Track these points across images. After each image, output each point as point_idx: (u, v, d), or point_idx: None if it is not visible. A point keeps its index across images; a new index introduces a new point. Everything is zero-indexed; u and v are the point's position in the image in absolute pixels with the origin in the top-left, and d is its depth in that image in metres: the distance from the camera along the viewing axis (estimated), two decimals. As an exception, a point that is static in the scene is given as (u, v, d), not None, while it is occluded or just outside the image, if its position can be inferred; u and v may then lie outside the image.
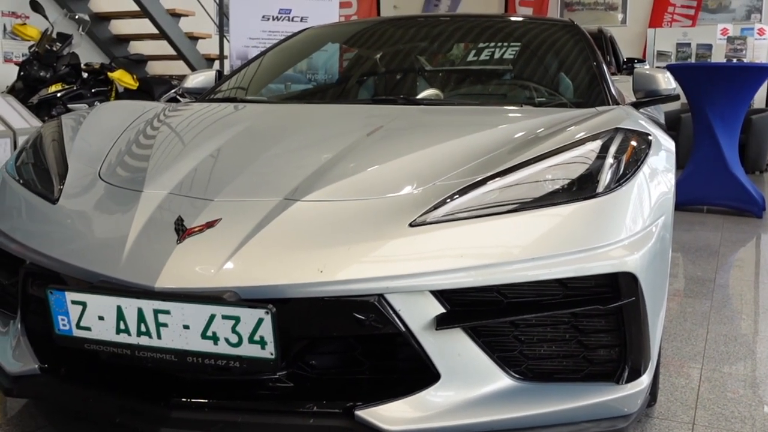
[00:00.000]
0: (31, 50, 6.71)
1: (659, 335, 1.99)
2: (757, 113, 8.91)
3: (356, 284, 1.63)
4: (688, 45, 10.49)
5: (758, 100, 9.32)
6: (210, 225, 1.77)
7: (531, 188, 1.85)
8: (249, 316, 1.60)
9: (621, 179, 1.90)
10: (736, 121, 5.91)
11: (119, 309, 1.68)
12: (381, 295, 1.64)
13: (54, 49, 6.59)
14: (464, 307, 1.70)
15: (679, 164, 8.08)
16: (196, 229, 1.76)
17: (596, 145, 1.98)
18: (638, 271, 1.76)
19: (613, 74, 4.61)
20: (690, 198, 6.02)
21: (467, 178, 1.89)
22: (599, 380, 1.81)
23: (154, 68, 9.26)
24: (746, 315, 3.34)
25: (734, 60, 6.27)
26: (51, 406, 2.25)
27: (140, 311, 1.67)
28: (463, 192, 1.83)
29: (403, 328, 1.65)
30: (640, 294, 1.77)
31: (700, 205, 6.11)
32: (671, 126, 8.95)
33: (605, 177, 1.88)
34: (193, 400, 1.74)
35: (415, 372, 1.72)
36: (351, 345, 1.75)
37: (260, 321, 1.59)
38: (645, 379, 1.84)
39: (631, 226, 1.83)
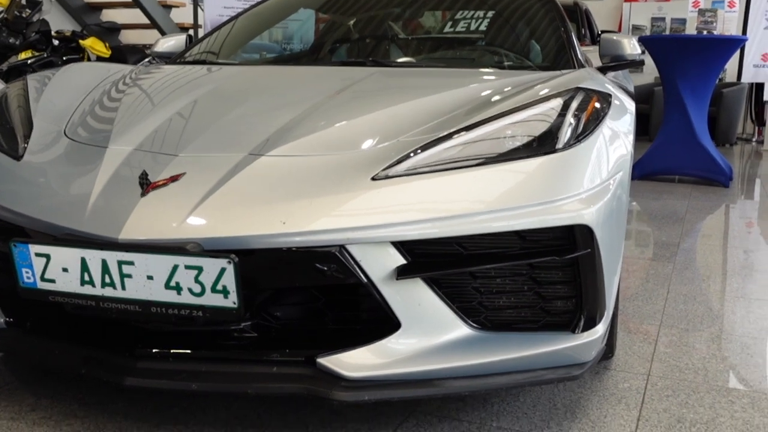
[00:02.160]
0: (0, 16, 6.62)
1: (615, 288, 2.05)
2: (729, 87, 9.02)
3: (318, 235, 1.67)
4: (663, 19, 10.55)
5: (730, 75, 9.42)
6: (174, 179, 1.80)
7: (492, 144, 1.89)
8: (211, 266, 1.63)
9: (580, 136, 1.94)
10: (706, 92, 5.99)
11: (83, 261, 1.71)
12: (342, 246, 1.68)
13: (23, 15, 6.50)
14: (424, 259, 1.74)
15: (652, 136, 8.16)
16: (160, 182, 1.78)
17: (557, 103, 2.02)
18: (594, 223, 1.81)
19: (585, 45, 4.65)
20: (660, 168, 6.11)
21: (430, 134, 1.93)
22: (556, 330, 1.86)
23: (128, 37, 9.16)
24: (707, 276, 3.42)
25: (705, 32, 6.33)
26: (18, 361, 2.27)
27: (104, 263, 1.69)
28: (425, 147, 1.86)
29: (364, 279, 1.69)
30: (596, 246, 1.82)
31: (670, 174, 6.21)
32: (644, 99, 9.04)
33: (565, 134, 1.92)
34: (158, 350, 1.77)
35: (376, 322, 1.76)
36: (314, 296, 1.79)
37: (223, 270, 1.63)
38: (600, 329, 1.90)
39: (589, 181, 1.88)
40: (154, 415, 1.96)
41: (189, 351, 1.78)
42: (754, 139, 9.63)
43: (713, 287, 3.26)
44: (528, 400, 2.10)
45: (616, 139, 2.13)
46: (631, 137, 2.32)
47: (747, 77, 8.45)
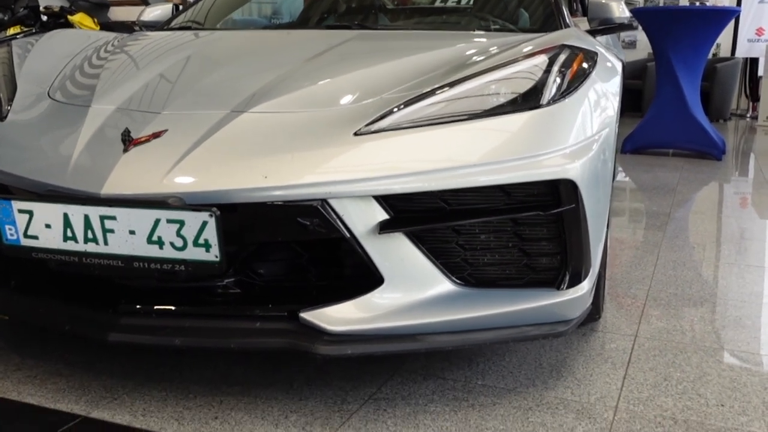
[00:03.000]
0: (-12, -7, 6.56)
1: (601, 246, 2.05)
2: (722, 62, 8.99)
3: (299, 189, 1.66)
4: (658, -7, 10.50)
5: (724, 50, 9.39)
6: (156, 135, 1.79)
7: (476, 101, 1.88)
8: (193, 220, 1.62)
9: (565, 92, 1.93)
10: (698, 64, 5.96)
11: (66, 216, 1.70)
12: (324, 200, 1.67)
13: (12, -9, 6.45)
14: (407, 214, 1.74)
15: (644, 113, 8.16)
16: (143, 139, 1.78)
17: (542, 59, 2.01)
18: (578, 178, 1.80)
19: (576, 17, 4.61)
20: (652, 141, 6.10)
21: (413, 91, 1.91)
22: (541, 287, 1.86)
23: (117, 14, 9.09)
24: (696, 244, 3.43)
25: (698, 3, 6.31)
26: (3, 321, 2.27)
27: (87, 218, 1.68)
28: (408, 103, 1.85)
29: (347, 233, 1.69)
30: (580, 201, 1.82)
31: (662, 148, 6.20)
32: (637, 75, 9.01)
33: (549, 90, 1.91)
34: (141, 306, 1.77)
35: (359, 277, 1.76)
36: (297, 252, 1.79)
37: (204, 224, 1.62)
38: (585, 285, 1.90)
39: (573, 136, 1.87)
40: (139, 373, 1.96)
41: (172, 307, 1.77)
42: (748, 115, 9.62)
43: (703, 254, 3.27)
44: (514, 359, 2.11)
45: (602, 97, 2.12)
46: (617, 99, 2.32)
47: (741, 52, 8.43)
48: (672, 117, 5.97)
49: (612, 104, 2.18)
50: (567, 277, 1.86)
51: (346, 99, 1.91)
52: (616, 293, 2.71)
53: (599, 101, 2.07)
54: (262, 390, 1.89)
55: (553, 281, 1.86)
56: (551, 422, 1.78)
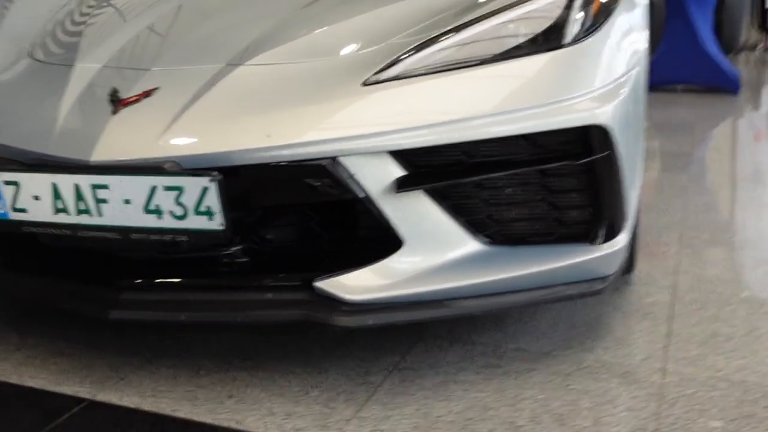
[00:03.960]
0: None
1: (636, 194, 1.89)
2: (732, -8, 8.67)
3: (307, 147, 1.50)
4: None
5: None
6: (147, 94, 1.63)
7: (491, 44, 1.69)
8: (192, 186, 1.47)
9: (589, 30, 1.74)
10: (709, -4, 5.74)
11: (55, 187, 1.55)
12: (334, 158, 1.51)
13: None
14: (426, 169, 1.59)
15: (653, 50, 7.91)
16: (132, 99, 1.61)
17: (562, -6, 1.82)
18: (610, 123, 1.63)
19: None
20: (664, 78, 5.87)
21: (423, 35, 1.73)
22: (573, 242, 1.71)
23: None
24: (724, 185, 3.27)
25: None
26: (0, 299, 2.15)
27: (77, 188, 1.54)
28: (417, 49, 1.66)
29: (361, 193, 1.53)
30: (614, 148, 1.65)
31: (675, 84, 5.98)
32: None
33: (572, 28, 1.71)
34: (142, 280, 1.64)
35: (376, 240, 1.61)
36: (308, 215, 1.64)
37: (205, 190, 1.47)
38: (622, 239, 1.74)
39: (602, 77, 1.69)
40: (146, 349, 1.83)
41: (176, 280, 1.64)
42: (760, 46, 9.33)
43: (733, 195, 3.11)
44: (546, 319, 1.97)
45: (630, 32, 1.94)
46: (645, 32, 2.13)
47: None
48: (684, 53, 5.75)
49: (642, 38, 2.00)
50: (602, 231, 1.71)
51: (350, 46, 1.73)
52: (646, 242, 2.55)
53: (628, 36, 1.89)
54: (276, 363, 1.76)
55: (586, 235, 1.71)
56: (595, 389, 1.65)
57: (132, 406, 1.60)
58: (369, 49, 1.71)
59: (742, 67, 7.72)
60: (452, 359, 1.78)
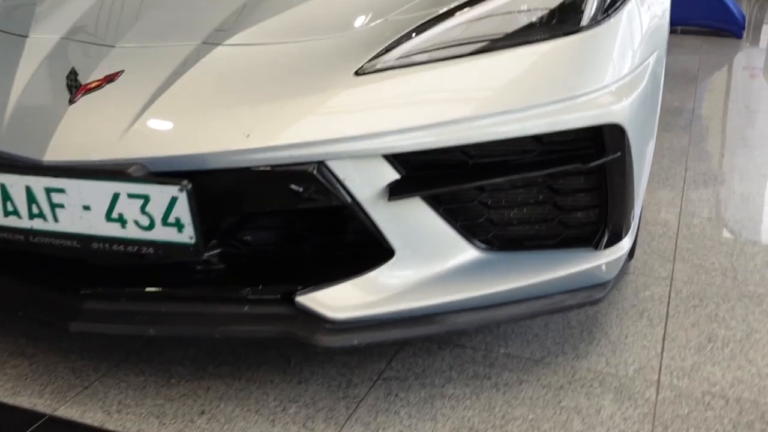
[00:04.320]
0: None
1: (643, 191, 1.76)
2: None
3: (290, 150, 1.34)
4: None
5: None
6: (110, 79, 1.44)
7: (503, 22, 1.51)
8: (159, 195, 1.31)
9: (609, 9, 1.57)
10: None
11: (3, 188, 1.39)
12: (321, 163, 1.36)
13: None
14: (422, 171, 1.43)
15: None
16: (93, 84, 1.43)
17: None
18: (626, 121, 1.48)
19: None
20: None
21: (428, 10, 1.54)
22: (576, 245, 1.58)
23: None
24: (726, 149, 3.13)
25: None
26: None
27: (29, 190, 1.37)
28: (421, 29, 1.49)
29: (349, 200, 1.39)
30: (627, 148, 1.51)
31: (675, 25, 5.75)
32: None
33: (591, 6, 1.54)
34: (108, 288, 1.49)
35: (365, 249, 1.47)
36: (291, 221, 1.49)
37: (174, 200, 1.31)
38: (626, 243, 1.62)
39: (620, 67, 1.53)
40: (114, 351, 1.71)
41: (145, 288, 1.49)
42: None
43: (737, 163, 2.98)
44: (539, 319, 1.86)
45: (652, 6, 1.76)
46: (667, 3, 1.95)
47: None
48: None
49: (664, 15, 1.82)
50: (606, 235, 1.58)
51: (342, 24, 1.54)
52: (645, 219, 2.43)
53: (649, 15, 1.72)
54: (254, 371, 1.64)
55: (590, 239, 1.58)
56: (587, 407, 1.55)
57: (95, 424, 1.48)
58: (364, 27, 1.53)
59: (743, 6, 7.46)
60: (440, 367, 1.67)
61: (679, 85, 4.15)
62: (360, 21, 1.54)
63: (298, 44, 1.49)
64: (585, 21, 1.52)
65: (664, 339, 1.79)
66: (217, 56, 1.48)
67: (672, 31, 5.67)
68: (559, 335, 1.80)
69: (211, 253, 1.49)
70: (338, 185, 1.37)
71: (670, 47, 5.05)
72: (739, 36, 5.50)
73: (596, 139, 1.49)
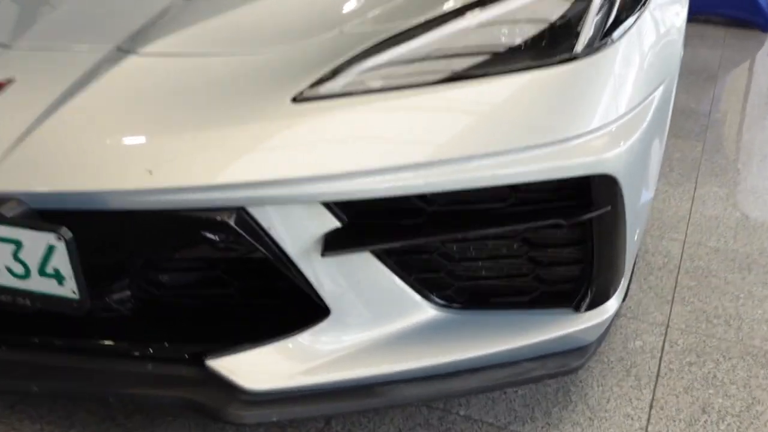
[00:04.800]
0: None
1: (640, 240, 1.51)
2: None
3: (204, 193, 1.09)
4: None
5: None
6: (-3, 86, 1.20)
7: (480, 44, 1.25)
8: (33, 242, 1.07)
9: (611, 31, 1.30)
10: None
11: None
12: (242, 209, 1.11)
13: None
14: (368, 220, 1.19)
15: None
16: (-25, 94, 1.19)
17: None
18: (621, 171, 1.22)
19: None
20: (690, 7, 5.29)
21: (392, 23, 1.28)
22: (553, 305, 1.35)
23: None
24: (743, 163, 2.85)
25: None
26: None
27: None
28: (381, 47, 1.22)
29: (276, 252, 1.15)
30: (620, 202, 1.26)
31: (697, 14, 5.39)
32: None
33: (588, 28, 1.26)
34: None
35: (294, 306, 1.24)
36: (206, 268, 1.25)
37: (51, 249, 1.07)
38: (612, 305, 1.38)
39: (618, 104, 1.26)
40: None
41: (29, 337, 1.26)
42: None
43: (754, 182, 2.70)
44: (509, 372, 1.62)
45: (663, 24, 1.49)
46: (684, 13, 1.68)
47: None
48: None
49: (679, 34, 1.55)
50: (590, 295, 1.34)
51: (284, 35, 1.27)
52: (645, 246, 2.18)
53: (660, 36, 1.45)
54: (168, 425, 1.42)
55: (570, 297, 1.34)
56: (552, 501, 1.33)
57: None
58: (312, 41, 1.26)
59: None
60: (388, 430, 1.44)
61: (696, 84, 3.85)
62: (308, 32, 1.27)
63: (225, 59, 1.23)
64: (580, 47, 1.24)
65: (651, 406, 1.56)
66: (131, 68, 1.22)
67: (693, 20, 5.34)
68: (530, 395, 1.56)
69: (106, 300, 1.25)
70: (262, 235, 1.13)
71: (690, 38, 4.73)
72: (765, 29, 5.15)
73: (583, 188, 1.24)
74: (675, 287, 2.00)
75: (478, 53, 1.23)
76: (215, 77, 1.20)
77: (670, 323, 1.85)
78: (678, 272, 2.08)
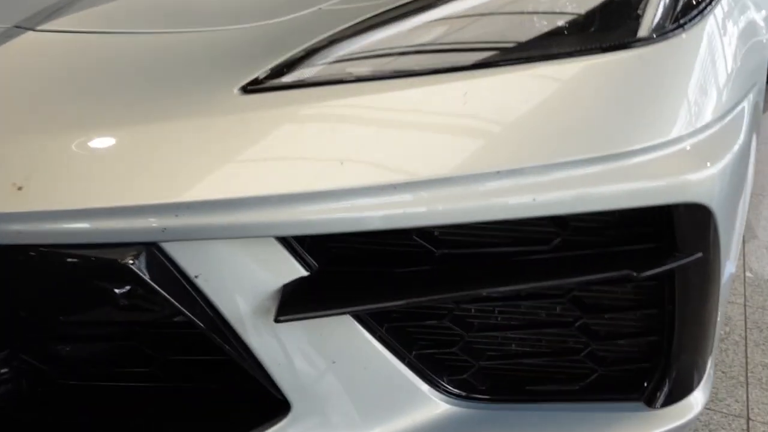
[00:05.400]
0: None
1: (725, 309, 1.12)
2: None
3: (98, 220, 0.72)
4: None
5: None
6: None
7: (508, 23, 0.89)
8: None
9: (685, 14, 0.93)
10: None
11: None
12: (153, 245, 0.73)
13: None
14: (348, 266, 0.81)
15: None
16: None
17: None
18: (715, 200, 0.84)
19: None
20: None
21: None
22: (613, 397, 0.95)
23: None
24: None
25: None
26: None
27: None
28: (371, 28, 0.86)
29: (208, 313, 0.76)
30: (715, 245, 0.87)
31: None
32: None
33: (656, 8, 0.90)
34: None
35: (241, 396, 0.85)
36: (128, 331, 0.87)
37: None
38: (698, 399, 0.98)
39: (701, 110, 0.88)
40: None
41: None
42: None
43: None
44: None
45: (753, 12, 1.15)
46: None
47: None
48: None
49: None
50: (667, 385, 0.94)
51: (242, 9, 0.92)
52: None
53: (750, 25, 1.10)
54: None
55: (637, 386, 0.95)
56: None
57: None
58: (279, 19, 0.90)
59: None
60: None
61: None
62: (271, 6, 0.91)
63: (152, 36, 0.87)
64: (645, 31, 0.87)
65: None
66: (24, 46, 0.88)
67: None
68: None
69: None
70: (186, 287, 0.75)
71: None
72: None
73: (660, 226, 0.85)
74: (746, 365, 1.60)
75: (507, 36, 0.87)
76: (132, 59, 0.84)
77: (751, 414, 1.43)
78: (746, 346, 1.68)
